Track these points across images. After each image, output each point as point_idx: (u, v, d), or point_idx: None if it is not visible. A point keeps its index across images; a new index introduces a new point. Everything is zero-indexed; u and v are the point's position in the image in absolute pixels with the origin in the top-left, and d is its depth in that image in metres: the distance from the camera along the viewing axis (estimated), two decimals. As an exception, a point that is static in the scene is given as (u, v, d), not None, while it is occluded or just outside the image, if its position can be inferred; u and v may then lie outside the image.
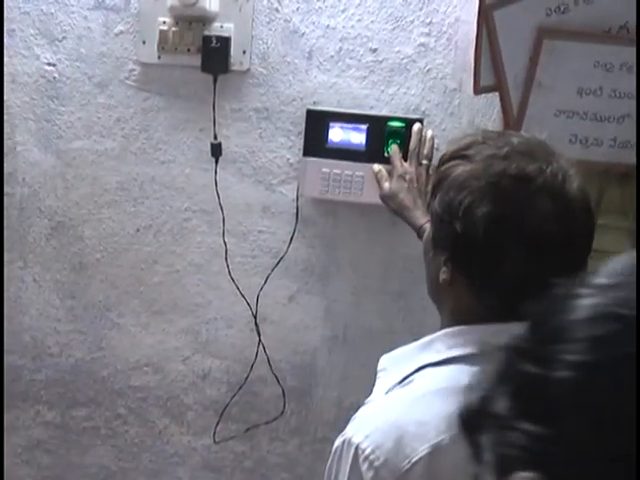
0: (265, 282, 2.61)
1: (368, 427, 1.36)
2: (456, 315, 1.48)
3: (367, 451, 1.33)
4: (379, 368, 1.57)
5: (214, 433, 2.74)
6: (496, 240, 1.33)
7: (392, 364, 1.55)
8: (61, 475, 2.83)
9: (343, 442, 1.39)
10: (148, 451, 2.81)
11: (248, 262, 2.62)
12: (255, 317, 2.64)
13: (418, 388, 1.42)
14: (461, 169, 1.39)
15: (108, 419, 2.78)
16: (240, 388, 2.70)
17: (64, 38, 2.49)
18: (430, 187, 1.51)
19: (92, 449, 2.81)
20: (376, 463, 1.32)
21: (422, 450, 1.33)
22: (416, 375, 1.45)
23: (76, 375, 2.74)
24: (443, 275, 1.44)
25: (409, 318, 2.60)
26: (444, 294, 1.50)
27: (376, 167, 2.36)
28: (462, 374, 1.40)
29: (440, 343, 1.47)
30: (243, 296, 2.62)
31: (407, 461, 1.32)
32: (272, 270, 2.60)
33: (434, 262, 1.49)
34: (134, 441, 2.80)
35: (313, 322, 2.65)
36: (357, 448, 1.34)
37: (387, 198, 2.28)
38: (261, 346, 2.66)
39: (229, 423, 2.75)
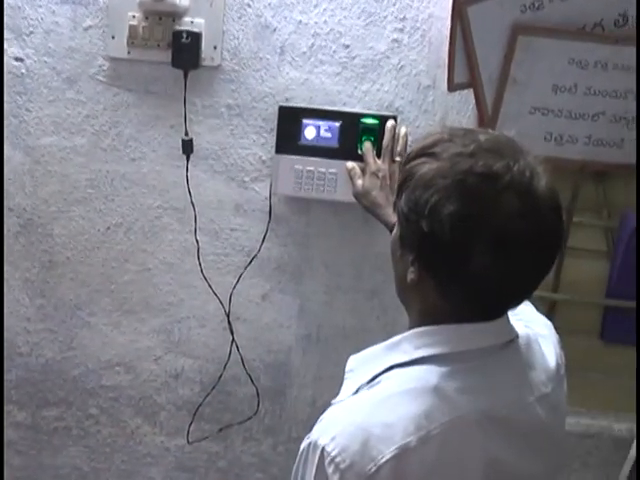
0: (238, 281, 2.58)
1: (334, 429, 1.34)
2: (424, 315, 1.46)
3: (333, 454, 1.31)
4: (347, 369, 1.55)
5: (187, 433, 2.72)
6: (463, 239, 1.30)
7: (360, 365, 1.52)
8: (32, 476, 2.80)
9: (309, 444, 1.37)
10: (120, 451, 2.78)
11: (221, 260, 2.59)
12: (228, 316, 2.61)
13: (385, 389, 1.40)
14: (427, 167, 1.36)
15: (80, 419, 2.75)
16: (213, 388, 2.68)
17: (31, 33, 2.44)
18: (396, 186, 1.48)
19: (64, 450, 2.78)
20: (342, 466, 1.30)
21: (389, 452, 1.30)
22: (383, 376, 1.43)
23: (47, 375, 2.71)
24: (411, 275, 1.41)
25: (383, 316, 2.58)
26: (412, 294, 1.47)
27: (349, 164, 2.34)
28: (430, 374, 1.39)
29: (408, 343, 1.45)
30: (216, 295, 2.59)
31: (373, 464, 1.30)
32: (245, 269, 2.57)
33: (401, 262, 1.46)
34: (106, 441, 2.77)
35: (287, 321, 2.62)
36: (323, 451, 1.32)
37: (360, 196, 2.25)
38: (234, 345, 2.63)
39: (202, 423, 2.72)
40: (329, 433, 1.33)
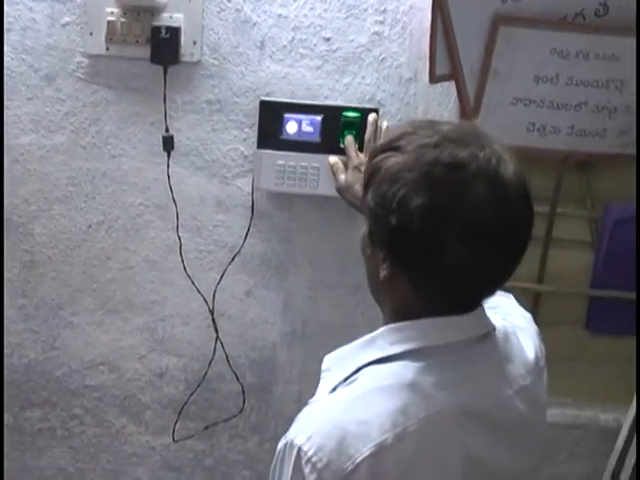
0: (221, 277, 2.57)
1: (310, 428, 1.32)
2: (397, 311, 1.44)
3: (309, 453, 1.29)
4: (323, 368, 1.54)
5: (173, 432, 2.70)
6: (432, 231, 1.29)
7: (335, 363, 1.51)
8: (17, 478, 2.78)
9: (285, 444, 1.35)
10: (106, 451, 2.76)
11: (203, 257, 2.57)
12: (212, 313, 2.60)
13: (360, 386, 1.38)
14: (393, 161, 1.35)
15: (64, 420, 2.73)
16: (198, 386, 2.66)
17: (8, 30, 2.41)
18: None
19: (48, 451, 2.76)
20: (319, 465, 1.28)
21: (366, 450, 1.29)
22: (360, 373, 1.42)
23: (29, 375, 2.68)
24: (383, 272, 1.40)
25: (368, 311, 2.56)
26: (385, 291, 1.46)
27: (332, 159, 2.32)
28: (406, 370, 1.38)
29: (382, 340, 1.44)
30: (199, 292, 2.58)
31: (350, 462, 1.29)
32: (228, 265, 2.56)
33: (373, 259, 1.45)
34: (91, 442, 2.75)
35: (271, 317, 2.61)
36: (299, 450, 1.30)
37: (343, 190, 2.24)
38: (219, 342, 2.62)
39: (188, 421, 2.71)
40: (305, 432, 1.32)
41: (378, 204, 1.35)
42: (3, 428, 2.70)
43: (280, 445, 1.37)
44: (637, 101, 2.33)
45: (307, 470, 1.29)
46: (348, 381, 1.42)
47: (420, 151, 1.32)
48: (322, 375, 1.52)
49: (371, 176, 1.39)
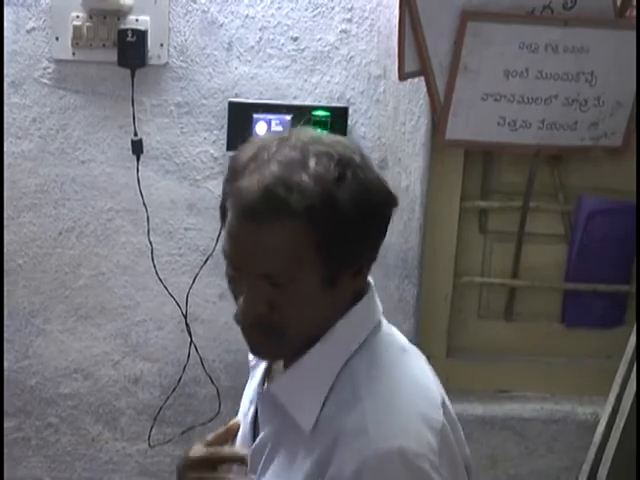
0: (194, 281, 2.55)
1: (396, 430, 1.25)
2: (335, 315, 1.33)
3: (418, 450, 1.23)
4: (282, 403, 1.35)
5: (149, 437, 2.68)
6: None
7: (296, 392, 1.34)
8: (-8, 489, 2.75)
9: (379, 458, 1.22)
10: (82, 459, 2.73)
11: (176, 261, 2.56)
12: (185, 317, 2.58)
13: (387, 374, 1.31)
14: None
15: (39, 429, 2.70)
16: (174, 390, 2.64)
17: (-27, 37, 2.40)
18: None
19: (23, 460, 2.72)
20: (431, 456, 1.23)
21: (441, 416, 1.30)
22: (349, 373, 1.32)
23: (3, 385, 2.66)
24: (357, 286, 1.35)
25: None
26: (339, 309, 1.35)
27: None
28: (394, 336, 1.39)
29: (345, 336, 1.33)
30: (172, 296, 2.56)
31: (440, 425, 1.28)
32: (200, 268, 2.54)
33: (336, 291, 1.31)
34: (66, 450, 2.72)
35: (245, 319, 2.59)
36: (404, 451, 1.22)
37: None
38: (193, 346, 2.60)
39: (164, 426, 2.69)
40: (396, 435, 1.24)
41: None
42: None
43: (358, 464, 1.22)
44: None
45: (427, 465, 1.22)
46: (355, 384, 1.30)
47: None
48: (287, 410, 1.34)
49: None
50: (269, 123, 2.39)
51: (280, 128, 2.38)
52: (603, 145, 2.41)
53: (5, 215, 2.52)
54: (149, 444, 2.68)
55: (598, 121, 2.37)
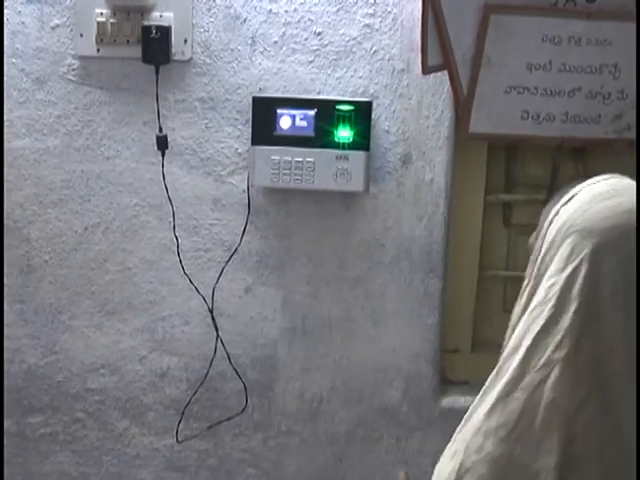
0: (220, 275, 2.56)
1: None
2: None
3: None
4: None
5: (176, 432, 2.69)
6: None
7: None
8: (20, 484, 2.78)
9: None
10: (109, 455, 2.74)
11: (201, 256, 2.57)
12: (211, 312, 2.59)
13: None
14: None
15: (66, 424, 2.72)
16: (200, 385, 2.65)
17: (-2, 35, 2.42)
18: None
19: (51, 456, 2.74)
20: None
21: None
22: None
23: (30, 381, 2.67)
24: None
25: (368, 304, 2.56)
26: None
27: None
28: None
29: None
30: (198, 291, 2.57)
31: None
32: (226, 263, 2.55)
33: None
34: (94, 445, 2.74)
35: (271, 314, 2.60)
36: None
37: None
38: (219, 341, 2.61)
39: (191, 421, 2.70)
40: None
41: None
42: (3, 429, 2.69)
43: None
44: (637, 96, 2.33)
45: None
46: None
47: None
48: None
49: None
50: (293, 118, 2.40)
51: (304, 123, 2.39)
52: (626, 138, 2.40)
53: (30, 211, 2.54)
54: (176, 439, 2.69)
55: (622, 114, 2.36)
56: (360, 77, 2.44)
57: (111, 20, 2.39)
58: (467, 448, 1.32)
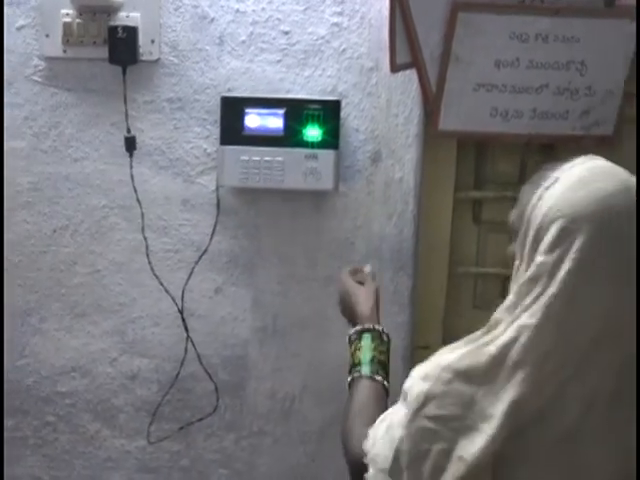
0: (189, 276, 2.55)
1: None
2: None
3: None
4: None
5: (148, 434, 2.68)
6: None
7: None
8: (-9, 488, 2.75)
9: None
10: (80, 458, 2.73)
11: (170, 257, 2.56)
12: (181, 313, 2.58)
13: None
14: None
15: (37, 428, 2.70)
16: (171, 386, 2.64)
17: (-37, 36, 2.40)
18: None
19: (22, 460, 2.73)
20: None
21: None
22: None
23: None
24: None
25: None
26: None
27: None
28: None
29: None
30: (168, 292, 2.56)
31: None
32: (196, 263, 2.55)
33: None
34: (65, 448, 2.72)
35: (241, 314, 2.60)
36: None
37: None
38: (190, 342, 2.60)
39: (162, 423, 2.69)
40: None
41: None
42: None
43: None
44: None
45: None
46: None
47: None
48: None
49: None
50: (262, 117, 2.39)
51: (273, 122, 2.39)
52: (594, 134, 2.41)
53: (-1, 214, 2.53)
54: (148, 440, 2.68)
55: (589, 110, 2.38)
56: (329, 76, 2.43)
57: (77, 20, 2.37)
58: (437, 378, 1.41)
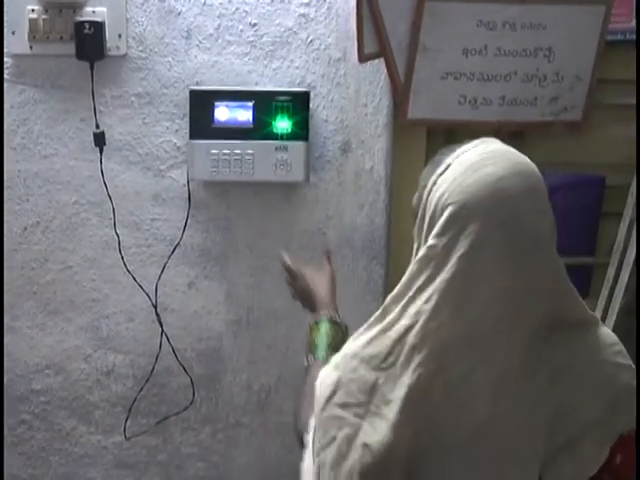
0: (162, 271, 2.55)
1: None
2: None
3: None
4: None
5: (124, 429, 2.67)
6: None
7: None
8: (-33, 488, 2.74)
9: None
10: (57, 455, 2.72)
11: (143, 252, 2.55)
12: (155, 307, 2.58)
13: None
14: None
15: (12, 426, 2.69)
16: (147, 381, 2.64)
17: None
18: None
19: (-2, 458, 2.72)
20: None
21: None
22: None
23: (-26, 384, 2.65)
24: None
25: (312, 294, 2.56)
26: None
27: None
28: None
29: None
30: (141, 287, 2.56)
31: None
32: (168, 258, 2.54)
33: None
34: (41, 446, 2.71)
35: (215, 307, 2.60)
36: None
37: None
38: (164, 336, 2.60)
39: (139, 418, 2.68)
40: None
41: None
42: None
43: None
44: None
45: None
46: None
47: None
48: None
49: None
50: (231, 110, 2.39)
51: (243, 115, 2.39)
52: (563, 120, 2.43)
53: (-32, 213, 2.51)
54: (124, 436, 2.68)
55: (558, 96, 2.39)
56: (297, 67, 2.43)
57: (43, 16, 2.36)
58: (345, 367, 1.45)
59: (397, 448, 1.37)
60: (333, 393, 1.45)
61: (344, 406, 1.43)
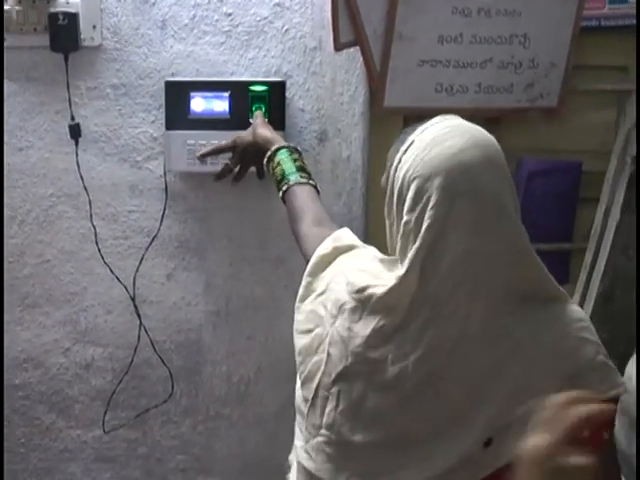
0: (140, 263, 2.54)
1: None
2: None
3: None
4: None
5: (103, 423, 2.66)
6: None
7: None
8: (-53, 485, 2.73)
9: None
10: (36, 450, 2.71)
11: (120, 244, 2.54)
12: (133, 300, 2.57)
13: None
14: None
15: (-10, 422, 2.68)
16: (125, 374, 2.63)
17: None
18: None
19: (-23, 454, 2.71)
20: None
21: None
22: None
23: (-49, 379, 2.63)
24: None
25: (291, 283, 2.53)
26: None
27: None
28: None
29: None
30: (119, 279, 2.55)
31: None
32: (146, 250, 2.54)
33: None
34: (20, 441, 2.70)
35: (194, 298, 2.59)
36: None
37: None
38: (143, 329, 2.59)
39: (118, 411, 2.67)
40: None
41: None
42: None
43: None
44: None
45: None
46: None
47: None
48: None
49: None
50: (207, 100, 2.39)
51: (219, 105, 2.39)
52: (539, 106, 2.44)
53: (-56, 207, 2.50)
54: (104, 430, 2.67)
55: (533, 82, 2.40)
56: (273, 57, 2.43)
57: (16, 8, 2.35)
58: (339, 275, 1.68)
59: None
60: (322, 292, 1.69)
61: (325, 309, 1.65)
